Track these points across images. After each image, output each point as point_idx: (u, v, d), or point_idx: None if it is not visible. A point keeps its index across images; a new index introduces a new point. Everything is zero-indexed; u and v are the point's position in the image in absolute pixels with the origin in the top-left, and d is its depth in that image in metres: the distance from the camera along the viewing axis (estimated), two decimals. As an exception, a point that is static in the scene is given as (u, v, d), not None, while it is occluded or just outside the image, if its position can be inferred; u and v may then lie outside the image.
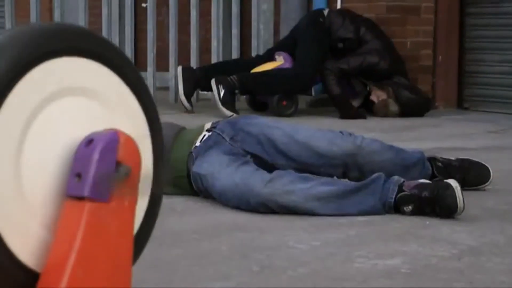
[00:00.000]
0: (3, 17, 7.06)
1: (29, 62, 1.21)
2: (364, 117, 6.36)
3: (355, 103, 6.56)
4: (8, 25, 7.20)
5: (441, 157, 3.49)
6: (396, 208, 3.01)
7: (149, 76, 7.13)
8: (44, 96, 1.23)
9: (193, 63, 7.20)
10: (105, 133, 1.25)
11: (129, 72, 1.34)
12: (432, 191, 2.96)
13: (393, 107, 6.45)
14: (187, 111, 6.48)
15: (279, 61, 6.63)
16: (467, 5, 7.13)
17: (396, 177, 3.07)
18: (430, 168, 3.41)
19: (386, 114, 6.43)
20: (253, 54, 7.23)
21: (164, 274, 2.27)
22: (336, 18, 6.60)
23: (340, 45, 6.53)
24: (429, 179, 3.20)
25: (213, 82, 6.30)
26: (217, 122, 3.42)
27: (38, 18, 7.26)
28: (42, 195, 1.23)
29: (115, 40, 7.12)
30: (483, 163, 3.50)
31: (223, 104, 6.23)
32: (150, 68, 7.25)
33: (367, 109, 6.54)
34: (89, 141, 1.24)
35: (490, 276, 2.30)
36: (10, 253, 1.20)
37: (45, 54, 1.23)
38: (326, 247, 2.59)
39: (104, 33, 7.13)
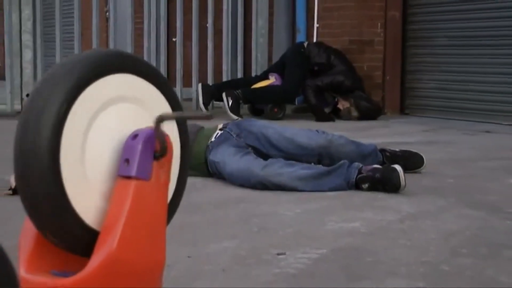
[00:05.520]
0: (73, 49, 7.07)
1: (93, 75, 1.21)
2: (333, 120, 6.36)
3: (327, 110, 6.55)
4: (76, 54, 7.19)
5: (389, 149, 3.49)
6: (356, 185, 3.01)
7: (177, 90, 7.12)
8: (103, 101, 1.23)
9: (210, 81, 7.20)
10: (146, 129, 1.25)
11: (164, 85, 1.34)
12: (383, 173, 2.96)
13: (354, 113, 6.44)
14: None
15: (272, 79, 6.63)
16: (408, 39, 7.13)
17: (356, 163, 3.07)
18: (381, 156, 3.41)
19: (349, 118, 6.43)
20: (253, 74, 7.24)
21: (188, 234, 2.27)
22: (313, 49, 6.60)
23: (316, 68, 6.52)
24: (380, 165, 3.21)
25: (224, 95, 6.31)
26: (227, 123, 3.42)
27: (97, 48, 7.25)
28: (101, 175, 1.23)
29: (153, 65, 7.12)
30: (419, 153, 3.51)
31: (231, 111, 6.23)
32: (178, 84, 7.24)
33: (336, 115, 6.53)
34: (135, 135, 1.24)
35: (424, 234, 2.30)
36: (78, 217, 1.20)
37: (105, 71, 1.23)
38: (306, 214, 2.60)
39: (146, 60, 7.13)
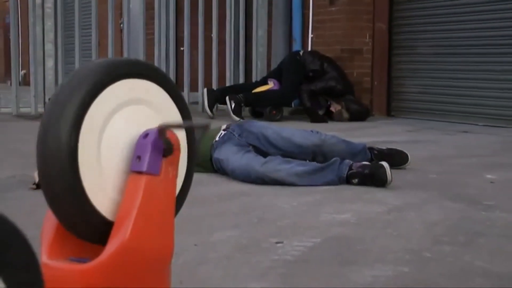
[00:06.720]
0: (91, 57, 7.06)
1: (108, 80, 1.20)
2: (326, 122, 6.35)
3: (320, 112, 6.55)
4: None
5: (376, 147, 3.49)
6: (347, 180, 3.00)
7: (185, 94, 7.11)
8: (117, 103, 1.22)
9: (214, 86, 7.20)
10: (156, 129, 1.24)
11: (172, 89, 1.33)
12: (371, 169, 2.96)
13: (345, 115, 6.44)
14: (210, 117, 6.47)
15: (271, 84, 6.62)
16: (394, 48, 7.13)
17: (347, 160, 3.07)
18: (369, 154, 3.41)
19: (340, 119, 6.43)
20: (253, 80, 7.23)
21: (195, 225, 2.27)
22: (308, 57, 6.59)
23: (311, 74, 6.52)
24: (369, 162, 3.20)
25: (227, 98, 6.30)
26: (230, 124, 3.42)
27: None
28: (115, 170, 1.22)
29: (163, 71, 7.11)
30: (404, 151, 3.50)
31: (233, 113, 6.23)
32: (186, 89, 7.25)
33: (328, 116, 6.53)
34: (146, 135, 1.23)
35: (409, 224, 2.30)
36: (95, 208, 1.19)
37: (118, 76, 1.22)
38: (302, 206, 2.59)
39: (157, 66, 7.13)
